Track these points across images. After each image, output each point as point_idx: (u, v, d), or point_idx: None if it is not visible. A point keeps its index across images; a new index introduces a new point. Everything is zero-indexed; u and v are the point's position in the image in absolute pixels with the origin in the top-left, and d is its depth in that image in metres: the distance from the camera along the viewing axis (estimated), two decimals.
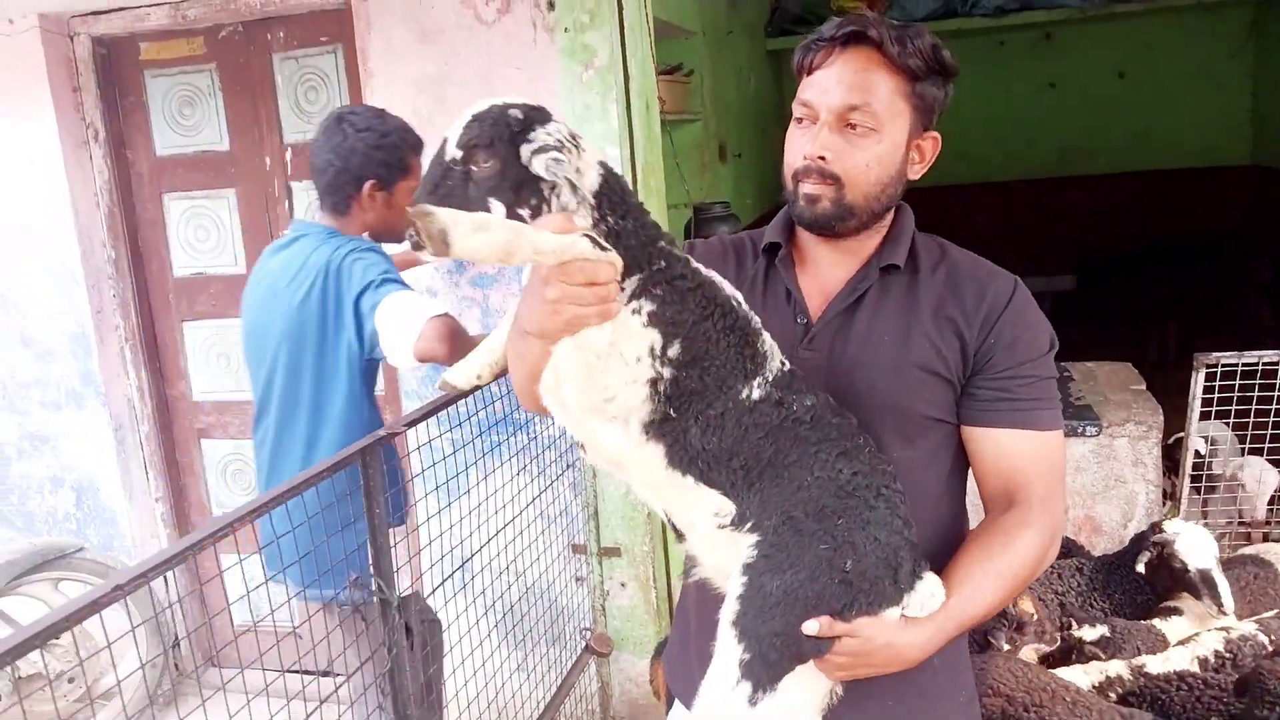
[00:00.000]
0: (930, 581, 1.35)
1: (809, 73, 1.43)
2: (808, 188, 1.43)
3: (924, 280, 1.49)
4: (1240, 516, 3.82)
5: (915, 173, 1.48)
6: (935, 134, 1.48)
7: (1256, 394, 3.40)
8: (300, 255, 2.47)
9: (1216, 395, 3.43)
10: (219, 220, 3.78)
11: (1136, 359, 4.44)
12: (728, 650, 1.29)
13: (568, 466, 3.32)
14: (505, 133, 1.23)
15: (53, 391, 3.85)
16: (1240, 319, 6.84)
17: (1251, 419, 3.45)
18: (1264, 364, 3.37)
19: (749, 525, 1.32)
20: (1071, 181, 7.95)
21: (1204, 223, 7.66)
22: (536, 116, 1.26)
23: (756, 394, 1.31)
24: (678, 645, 1.74)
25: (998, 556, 1.38)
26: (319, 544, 2.12)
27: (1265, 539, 3.75)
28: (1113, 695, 2.50)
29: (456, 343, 2.21)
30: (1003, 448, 1.44)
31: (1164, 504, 3.68)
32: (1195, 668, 2.51)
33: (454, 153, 1.25)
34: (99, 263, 3.76)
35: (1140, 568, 2.83)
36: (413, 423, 2.35)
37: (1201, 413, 3.48)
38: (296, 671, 2.69)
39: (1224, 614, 2.65)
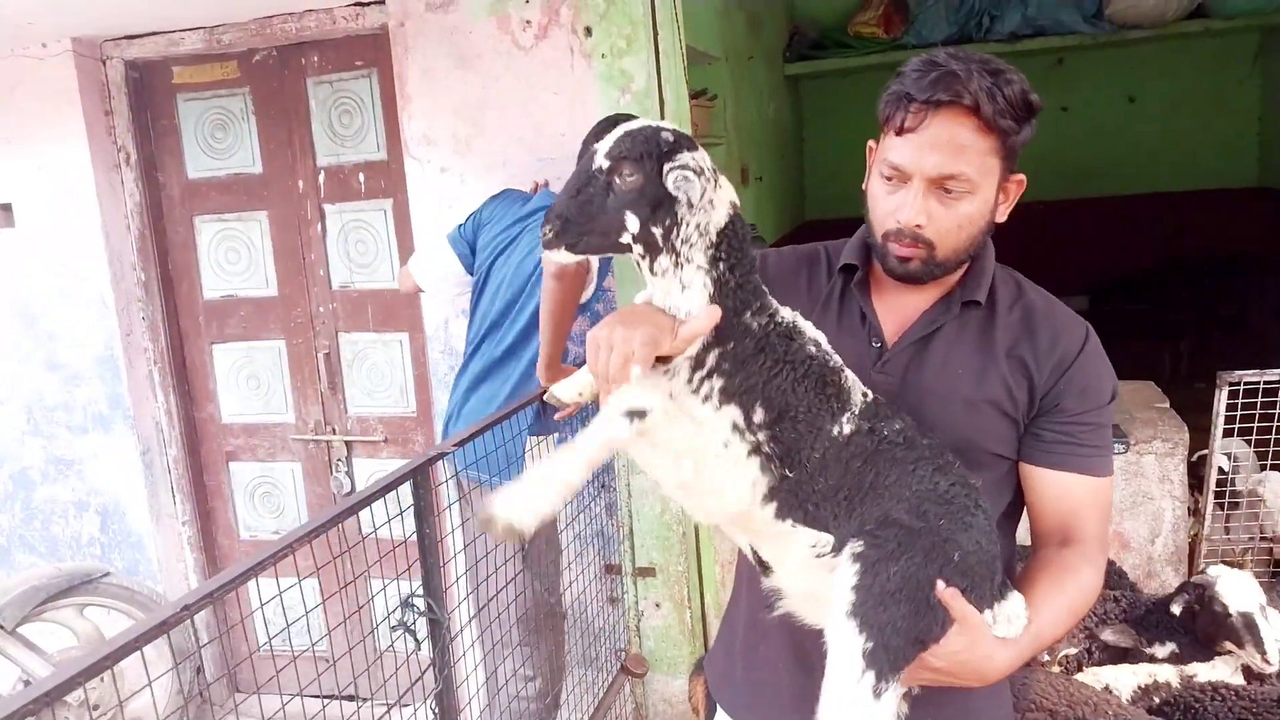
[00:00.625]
0: (1017, 600, 1.37)
1: (899, 132, 1.39)
2: (899, 250, 1.43)
3: (1000, 317, 1.50)
4: (1262, 532, 3.83)
5: (1002, 215, 1.48)
6: (1021, 175, 1.46)
7: (1278, 411, 3.43)
8: None
9: (1240, 413, 3.46)
10: (250, 242, 3.80)
11: (1150, 378, 4.46)
12: (848, 641, 1.26)
13: (602, 488, 3.32)
14: (654, 150, 1.25)
15: (79, 415, 3.86)
16: (1252, 339, 6.86)
17: (1273, 435, 3.48)
18: None
19: (850, 541, 1.33)
20: (1084, 204, 8.00)
21: (1213, 243, 7.69)
22: (685, 142, 1.28)
23: (848, 429, 1.33)
24: (721, 654, 1.77)
25: (1069, 589, 1.42)
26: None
27: None
28: (1156, 699, 2.50)
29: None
30: (1063, 489, 1.48)
31: (1189, 520, 3.70)
32: (1240, 678, 2.51)
33: (602, 163, 1.27)
34: (129, 285, 3.78)
35: (1176, 609, 2.70)
36: (461, 443, 2.37)
37: (1227, 432, 3.50)
38: (334, 697, 2.68)
39: (1268, 663, 2.54)
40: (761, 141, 6.09)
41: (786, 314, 1.36)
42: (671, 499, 1.44)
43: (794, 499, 1.32)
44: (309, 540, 1.81)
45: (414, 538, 2.23)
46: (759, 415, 1.28)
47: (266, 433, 3.92)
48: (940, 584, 1.28)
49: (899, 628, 1.25)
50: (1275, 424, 3.47)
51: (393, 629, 2.34)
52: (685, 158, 1.25)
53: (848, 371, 1.38)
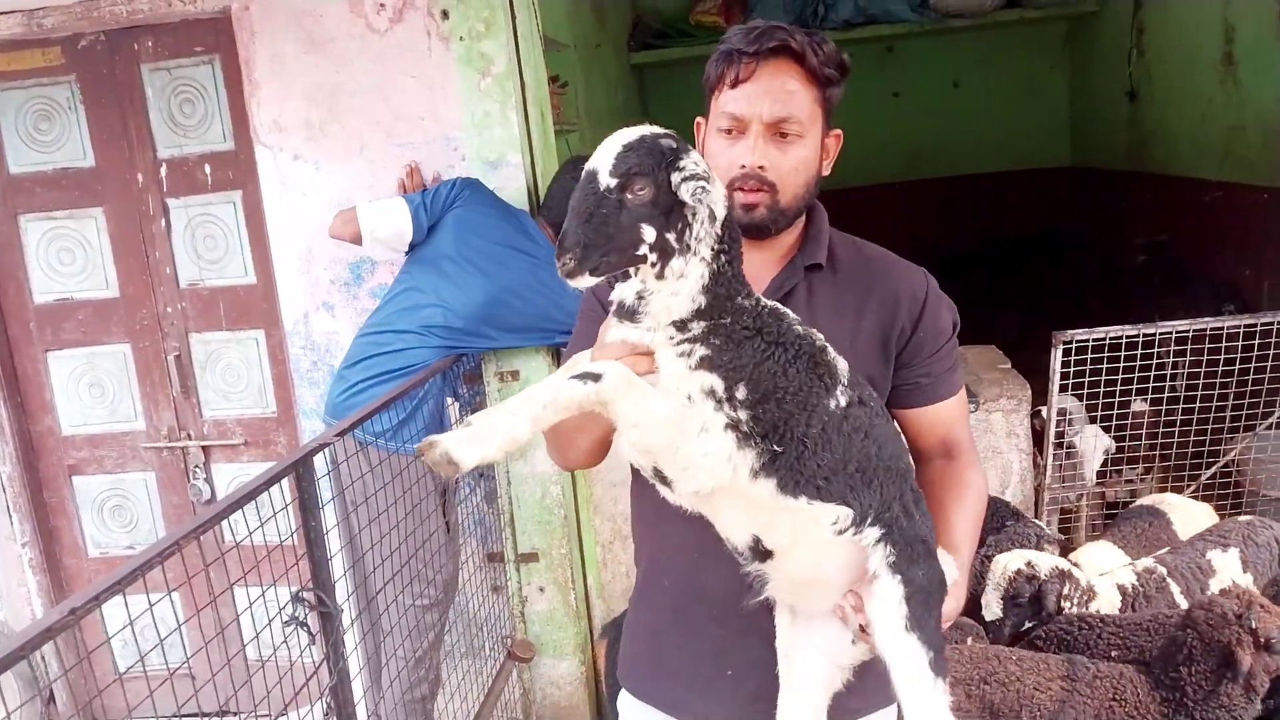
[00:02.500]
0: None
1: (732, 85, 1.48)
2: (744, 197, 1.49)
3: (845, 276, 1.59)
4: (1081, 480, 4.15)
5: (826, 169, 1.58)
6: (838, 131, 1.58)
7: (1106, 367, 3.74)
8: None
9: (1073, 370, 3.75)
10: (85, 241, 3.56)
11: (987, 344, 4.77)
12: (916, 657, 1.37)
13: (481, 476, 3.29)
14: (660, 160, 1.26)
15: None
16: (1069, 305, 7.41)
17: (1102, 389, 3.78)
18: (1110, 339, 3.71)
19: (869, 521, 1.37)
20: (918, 185, 8.44)
21: (1033, 220, 8.28)
22: (682, 146, 1.30)
23: (844, 400, 1.35)
24: (643, 643, 1.72)
25: (970, 500, 1.60)
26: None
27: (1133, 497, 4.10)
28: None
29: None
30: (936, 417, 1.63)
31: (1035, 471, 3.97)
32: (1118, 600, 2.74)
33: (608, 181, 1.26)
34: None
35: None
36: (342, 433, 2.31)
37: (1061, 388, 3.78)
38: (206, 715, 2.57)
39: None
40: (612, 129, 6.11)
41: (767, 301, 1.39)
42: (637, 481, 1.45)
43: (799, 475, 1.32)
44: (196, 537, 1.74)
45: (290, 541, 2.17)
46: (741, 393, 1.28)
47: (114, 442, 3.69)
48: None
49: (938, 625, 1.39)
50: (1103, 379, 3.78)
51: (285, 624, 2.26)
52: (689, 164, 1.27)
53: (829, 346, 1.40)
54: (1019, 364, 4.23)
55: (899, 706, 1.42)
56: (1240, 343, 3.80)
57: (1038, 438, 3.94)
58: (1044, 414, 3.84)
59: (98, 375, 3.64)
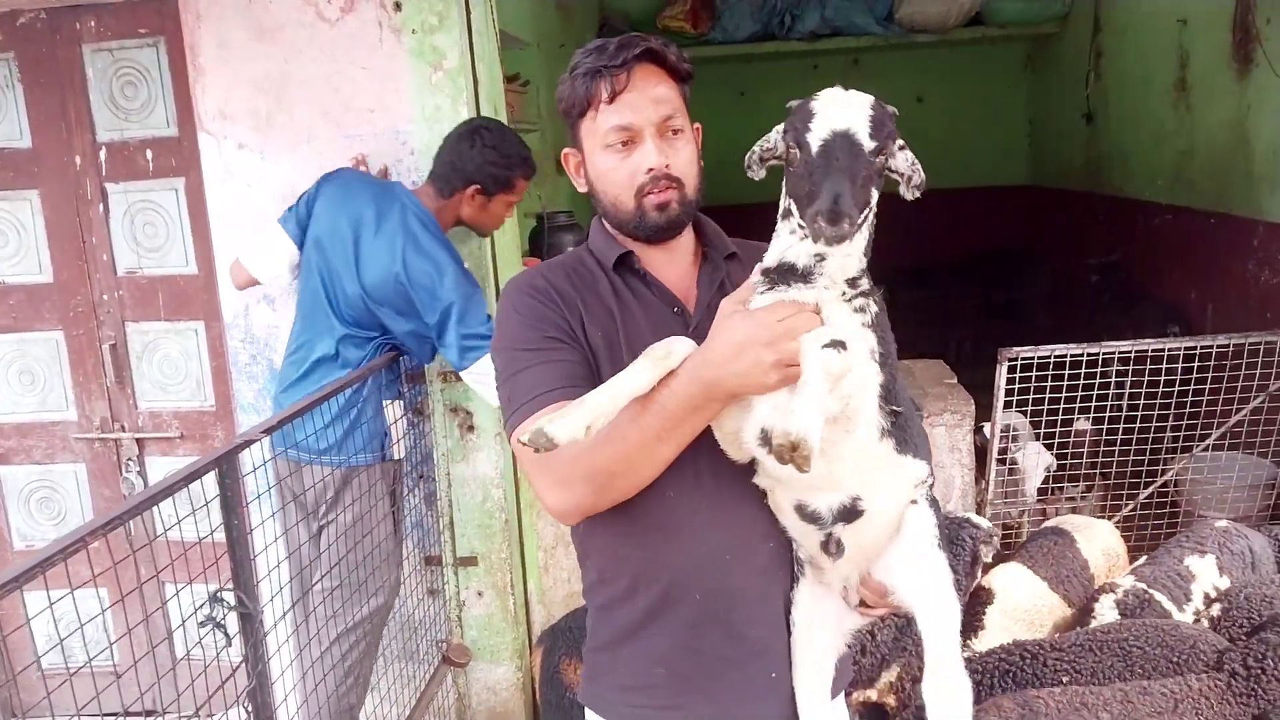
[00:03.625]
0: None
1: (610, 100, 1.49)
2: (658, 197, 1.52)
3: (748, 263, 1.56)
4: (1022, 496, 4.19)
5: (698, 159, 1.61)
6: (697, 124, 1.61)
7: (1050, 384, 3.77)
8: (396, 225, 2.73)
9: (1017, 387, 3.78)
10: (19, 223, 3.46)
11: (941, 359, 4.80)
12: (945, 570, 1.45)
13: (420, 478, 3.24)
14: (893, 128, 1.32)
15: None
16: (1021, 322, 7.50)
17: (1046, 406, 3.82)
18: (1055, 356, 3.74)
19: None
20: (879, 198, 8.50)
21: (990, 237, 8.37)
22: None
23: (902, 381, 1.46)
24: (667, 666, 1.58)
25: None
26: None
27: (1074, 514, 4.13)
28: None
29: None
30: None
31: (976, 486, 4.00)
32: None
33: (869, 144, 1.27)
34: None
35: None
36: (270, 430, 2.25)
37: (1006, 404, 3.81)
38: (127, 714, 2.50)
39: None
40: None
41: None
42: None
43: (906, 435, 1.41)
44: (103, 534, 1.68)
45: (210, 539, 2.11)
46: (879, 351, 1.34)
47: (43, 432, 3.58)
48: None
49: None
50: (1048, 396, 3.81)
51: (200, 624, 2.20)
52: (878, 105, 1.32)
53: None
54: (970, 379, 4.26)
55: (923, 623, 1.44)
56: (1181, 364, 3.86)
57: (980, 453, 3.97)
58: (986, 430, 3.87)
59: (28, 362, 3.53)
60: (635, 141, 1.50)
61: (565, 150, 1.60)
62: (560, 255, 1.78)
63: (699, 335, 1.50)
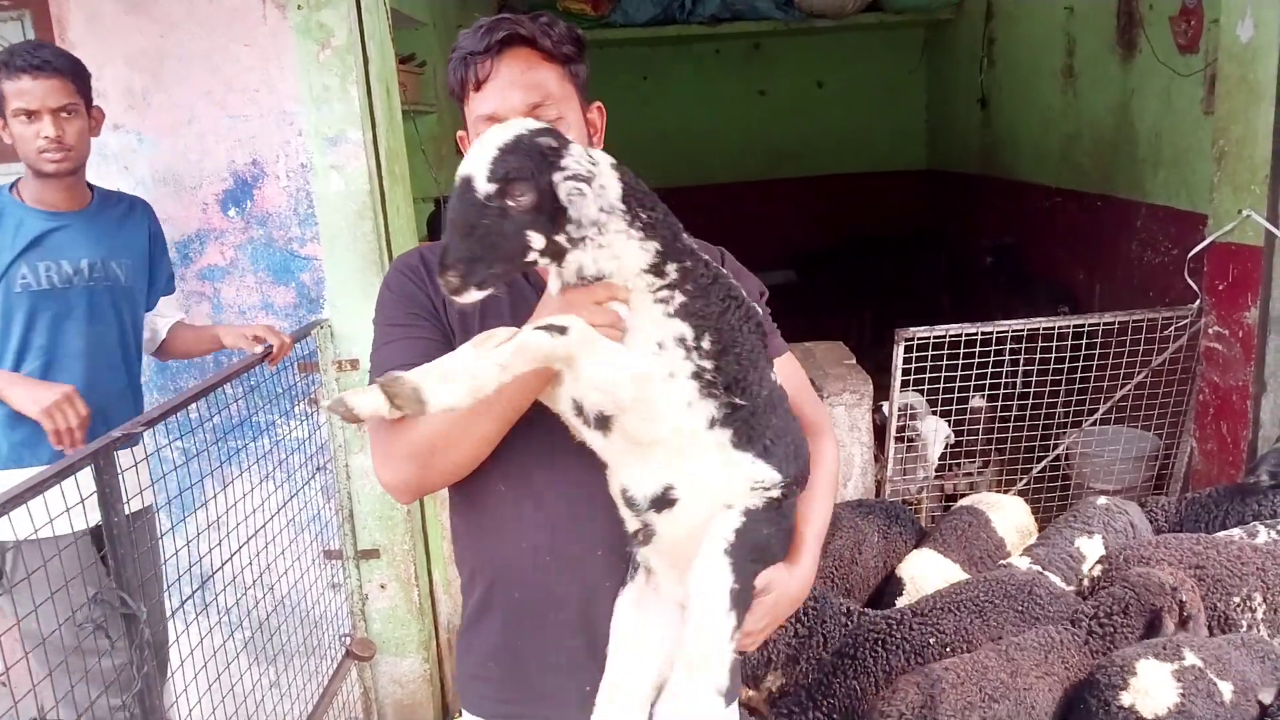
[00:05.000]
0: None
1: (477, 87, 1.44)
2: None
3: None
4: (923, 468, 4.30)
5: (598, 144, 1.53)
6: (599, 103, 1.56)
7: (945, 363, 3.88)
8: None
9: (914, 366, 3.87)
10: None
11: (843, 342, 4.89)
12: (723, 577, 1.31)
13: (318, 469, 3.15)
14: (540, 162, 1.21)
15: None
16: (924, 306, 7.69)
17: (941, 384, 3.92)
18: (950, 336, 3.85)
19: (781, 492, 1.38)
20: (781, 183, 8.59)
21: (892, 221, 8.55)
22: (563, 143, 1.26)
23: (775, 376, 1.41)
24: (497, 665, 1.56)
25: (821, 478, 1.53)
26: None
27: (971, 490, 4.26)
28: None
29: None
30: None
31: (875, 464, 4.08)
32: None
33: (486, 189, 1.19)
34: None
35: None
36: (152, 423, 2.15)
37: (904, 383, 3.90)
38: None
39: None
40: None
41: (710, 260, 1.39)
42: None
43: (752, 431, 1.33)
44: None
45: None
46: (706, 343, 1.28)
47: None
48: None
49: (752, 578, 1.36)
50: (943, 375, 3.92)
51: (79, 627, 2.09)
52: (570, 163, 1.22)
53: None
54: (871, 361, 4.34)
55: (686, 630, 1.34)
56: (1070, 342, 4.00)
57: (879, 432, 4.05)
58: (884, 409, 3.95)
59: None
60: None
61: (460, 132, 1.54)
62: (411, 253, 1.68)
63: None
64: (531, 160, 1.21)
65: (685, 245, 1.34)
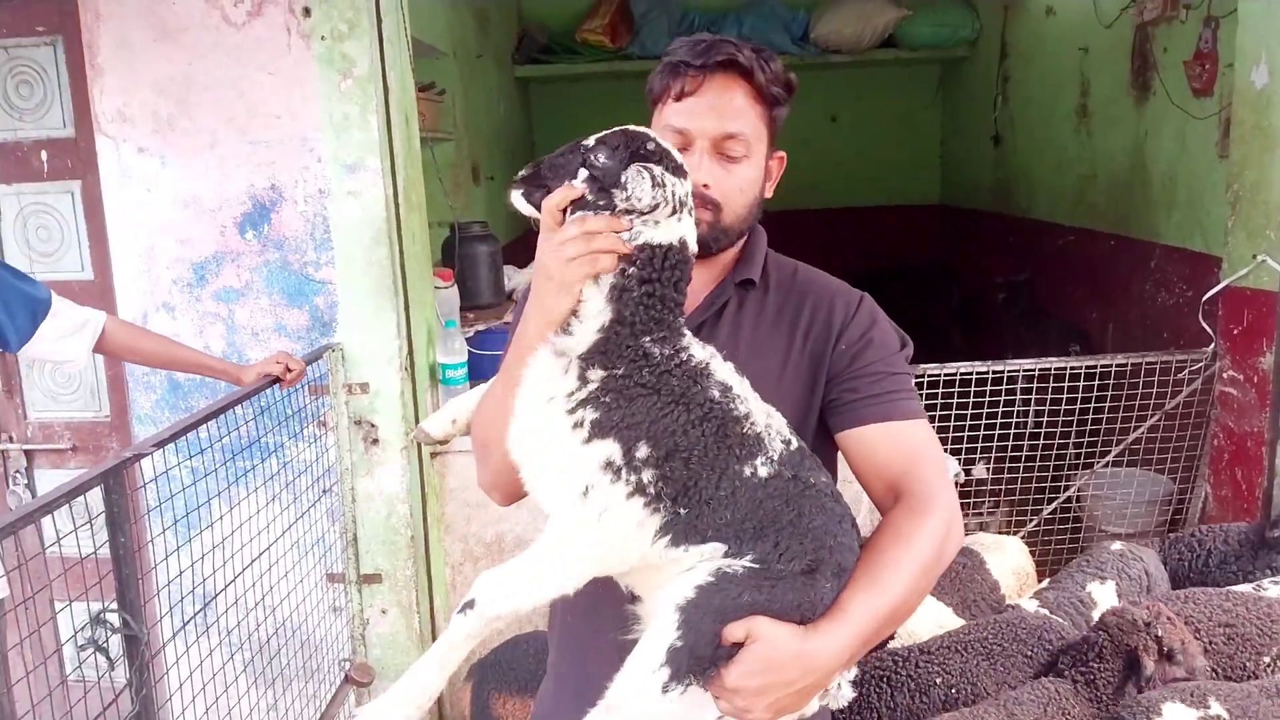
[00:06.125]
0: None
1: (677, 98, 1.42)
2: None
3: (774, 293, 1.53)
4: None
5: (768, 191, 1.52)
6: (782, 153, 1.52)
7: (956, 401, 3.87)
8: None
9: (924, 404, 3.85)
10: None
11: None
12: (664, 632, 1.20)
13: (324, 493, 3.16)
14: (633, 147, 1.30)
15: None
16: (936, 341, 7.68)
17: (952, 424, 3.91)
18: (961, 375, 3.84)
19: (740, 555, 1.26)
20: (795, 216, 8.60)
21: (905, 255, 8.56)
22: (669, 160, 1.30)
23: (764, 472, 1.26)
24: (550, 696, 1.64)
25: (889, 548, 1.31)
26: None
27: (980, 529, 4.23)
28: None
29: None
30: (872, 443, 1.42)
31: None
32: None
33: (589, 141, 1.32)
34: None
35: None
36: (162, 443, 2.17)
37: None
38: None
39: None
40: (492, 141, 6.07)
41: (700, 354, 1.30)
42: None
43: (693, 530, 1.24)
44: None
45: (96, 555, 2.02)
46: (642, 451, 1.22)
47: None
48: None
49: (714, 640, 1.19)
50: (954, 413, 3.90)
51: (80, 648, 2.10)
52: (656, 168, 1.25)
53: (761, 418, 1.31)
54: None
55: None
56: (1082, 382, 3.99)
57: None
58: None
59: None
60: (687, 149, 1.41)
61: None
62: None
63: None
64: (629, 142, 1.29)
65: (642, 348, 1.26)
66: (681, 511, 1.24)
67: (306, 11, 2.93)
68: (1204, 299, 3.83)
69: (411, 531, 3.22)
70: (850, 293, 1.54)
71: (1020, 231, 6.95)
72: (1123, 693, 2.44)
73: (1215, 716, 2.25)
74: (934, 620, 3.11)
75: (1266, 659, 2.63)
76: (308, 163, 3.01)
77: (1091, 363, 4.01)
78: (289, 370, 2.75)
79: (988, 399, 3.87)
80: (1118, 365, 3.97)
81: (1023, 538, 3.97)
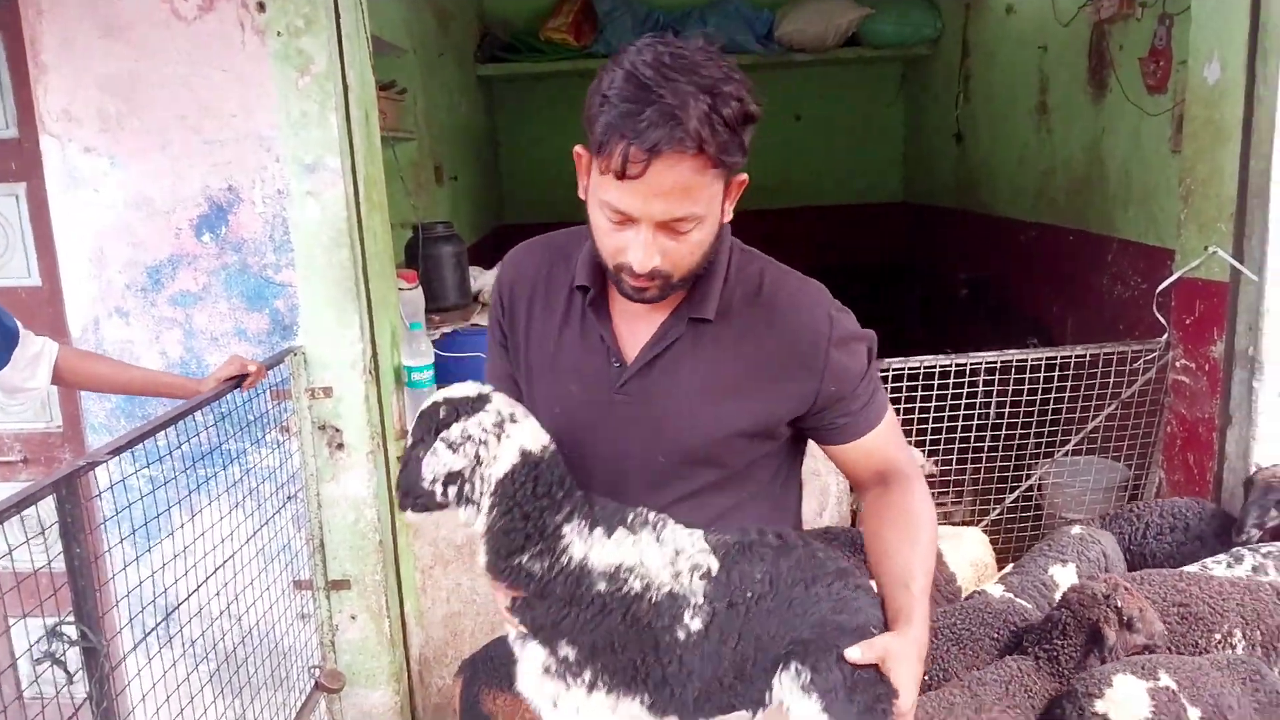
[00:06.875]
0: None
1: (619, 176, 1.27)
2: (634, 281, 1.37)
3: (737, 328, 1.47)
4: None
5: (728, 215, 1.42)
6: (743, 177, 1.40)
7: (920, 394, 3.90)
8: None
9: (889, 397, 3.88)
10: None
11: None
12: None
13: (289, 499, 3.11)
14: (432, 427, 1.39)
15: None
16: (899, 337, 7.73)
17: (915, 417, 3.94)
18: (925, 368, 3.87)
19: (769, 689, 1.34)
20: (758, 215, 8.61)
21: (868, 253, 8.62)
22: (459, 412, 1.38)
23: (697, 624, 1.33)
24: None
25: (914, 529, 1.48)
26: None
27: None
28: None
29: None
30: (864, 451, 1.55)
31: (851, 494, 4.08)
32: None
33: (408, 440, 1.44)
34: None
35: None
36: (117, 450, 2.12)
37: None
38: None
39: None
40: (455, 140, 6.02)
41: (580, 548, 1.35)
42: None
43: (691, 707, 1.33)
44: None
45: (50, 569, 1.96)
46: (566, 652, 1.35)
47: None
48: (855, 654, 1.29)
49: (870, 710, 1.27)
50: (918, 405, 3.93)
51: (37, 662, 2.04)
52: (453, 432, 1.35)
53: (675, 559, 1.36)
54: None
55: None
56: (1042, 374, 4.03)
57: None
58: None
59: None
60: (631, 224, 1.32)
61: (576, 148, 1.42)
62: (564, 232, 1.61)
63: (626, 391, 1.48)
64: (427, 425, 1.39)
65: (519, 566, 1.37)
66: (648, 696, 1.34)
67: (261, 6, 2.88)
68: (1158, 291, 3.88)
69: (380, 536, 3.18)
70: (818, 318, 1.49)
71: (982, 227, 7.02)
72: (1084, 667, 2.50)
73: (1165, 687, 2.32)
74: None
75: (1218, 636, 2.70)
76: (265, 162, 2.96)
77: (1051, 354, 4.05)
78: (247, 370, 2.69)
79: (950, 392, 3.90)
80: (1076, 356, 4.02)
81: (985, 527, 4.01)
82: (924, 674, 2.47)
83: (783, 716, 1.30)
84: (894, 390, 3.86)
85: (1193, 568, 3.11)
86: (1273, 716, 2.39)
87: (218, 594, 2.72)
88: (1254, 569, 3.04)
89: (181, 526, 2.63)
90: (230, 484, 2.94)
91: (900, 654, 1.31)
